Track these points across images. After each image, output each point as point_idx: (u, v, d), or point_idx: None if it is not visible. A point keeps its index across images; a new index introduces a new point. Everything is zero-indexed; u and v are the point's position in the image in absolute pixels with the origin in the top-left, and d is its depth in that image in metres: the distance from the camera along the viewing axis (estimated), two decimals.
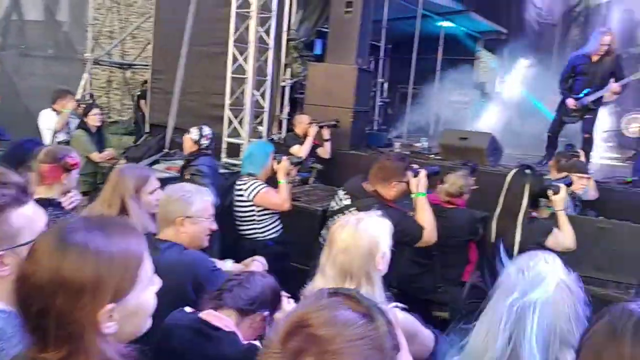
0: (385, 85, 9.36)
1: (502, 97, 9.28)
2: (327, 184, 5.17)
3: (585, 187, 4.47)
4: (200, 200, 2.52)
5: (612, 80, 5.56)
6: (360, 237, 2.00)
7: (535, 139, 8.49)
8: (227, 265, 2.80)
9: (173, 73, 6.84)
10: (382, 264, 2.04)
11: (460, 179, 3.67)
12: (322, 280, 2.02)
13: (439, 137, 6.20)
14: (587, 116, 5.83)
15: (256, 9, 6.24)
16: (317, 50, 7.68)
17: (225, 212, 3.96)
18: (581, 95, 5.70)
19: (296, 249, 4.03)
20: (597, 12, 11.11)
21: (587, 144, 5.91)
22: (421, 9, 7.96)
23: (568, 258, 3.56)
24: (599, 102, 5.79)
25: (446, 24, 9.12)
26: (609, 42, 5.53)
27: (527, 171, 3.44)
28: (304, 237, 4.03)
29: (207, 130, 4.44)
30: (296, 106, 6.92)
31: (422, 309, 3.54)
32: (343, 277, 1.98)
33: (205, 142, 4.39)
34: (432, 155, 6.32)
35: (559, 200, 3.42)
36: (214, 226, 2.57)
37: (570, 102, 5.77)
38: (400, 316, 1.93)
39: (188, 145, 4.47)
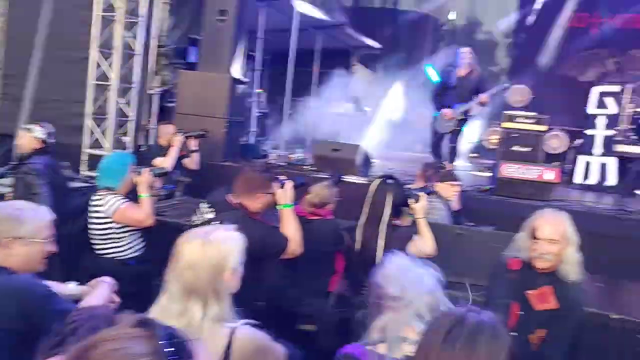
0: (264, 97, 9.33)
1: (378, 109, 9.64)
2: (197, 197, 4.96)
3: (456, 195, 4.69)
4: (33, 219, 2.25)
5: (478, 94, 6.26)
6: (208, 252, 1.88)
7: (406, 151, 8.98)
8: (70, 288, 2.53)
9: (26, 78, 6.26)
10: (233, 279, 1.93)
11: (324, 189, 3.67)
12: (166, 299, 1.87)
13: (312, 149, 6.27)
14: (456, 127, 6.47)
15: (122, 13, 5.90)
16: (192, 58, 7.43)
17: (82, 229, 3.66)
18: (455, 107, 6.35)
19: (162, 267, 3.79)
20: (462, 31, 11.99)
21: (452, 154, 6.51)
22: (297, 22, 8.03)
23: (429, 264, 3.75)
24: (468, 113, 6.46)
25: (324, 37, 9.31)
26: (469, 60, 6.29)
27: (390, 181, 3.53)
28: (170, 254, 3.80)
29: (50, 128, 4.14)
30: (166, 115, 6.62)
31: (289, 323, 3.50)
32: (188, 294, 1.84)
33: (51, 140, 4.08)
34: (307, 167, 6.35)
35: (420, 208, 3.54)
36: (52, 248, 2.31)
37: (447, 112, 6.37)
38: (250, 333, 1.85)
39: (26, 143, 4.10)
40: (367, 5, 11.35)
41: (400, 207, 3.52)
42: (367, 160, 6.05)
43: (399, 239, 3.42)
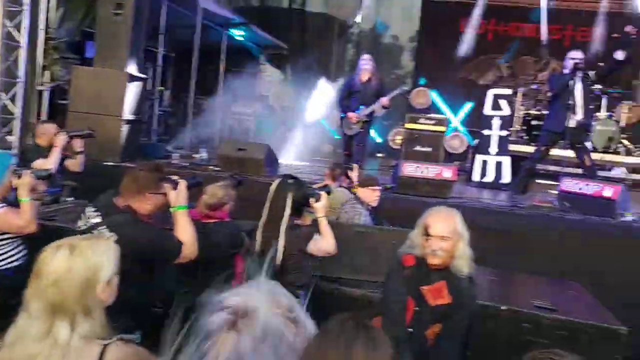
0: (167, 94, 8.99)
1: (285, 109, 9.60)
2: (92, 200, 4.63)
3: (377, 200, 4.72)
4: None
5: (381, 97, 6.61)
6: (75, 266, 1.70)
7: (315, 151, 9.00)
8: None
9: None
10: (107, 292, 1.77)
11: (220, 189, 3.54)
12: (24, 320, 1.68)
13: (217, 148, 6.10)
14: (361, 129, 6.72)
15: (2, 1, 5.42)
16: (89, 53, 7.00)
17: None
18: (357, 111, 6.68)
19: None
20: (369, 35, 12.23)
21: (360, 154, 6.75)
22: (201, 19, 7.80)
23: (330, 262, 3.73)
24: (372, 115, 6.78)
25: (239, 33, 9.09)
26: (369, 66, 6.69)
27: (290, 180, 3.47)
28: None
29: None
30: (57, 114, 6.17)
31: None
32: (52, 313, 1.66)
33: None
34: (211, 167, 6.17)
35: (320, 207, 3.50)
36: None
37: (352, 116, 6.68)
38: (123, 349, 1.70)
39: None
40: (274, 5, 11.27)
41: (301, 206, 3.47)
42: (273, 160, 5.98)
43: (300, 239, 3.37)
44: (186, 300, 3.49)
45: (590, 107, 6.57)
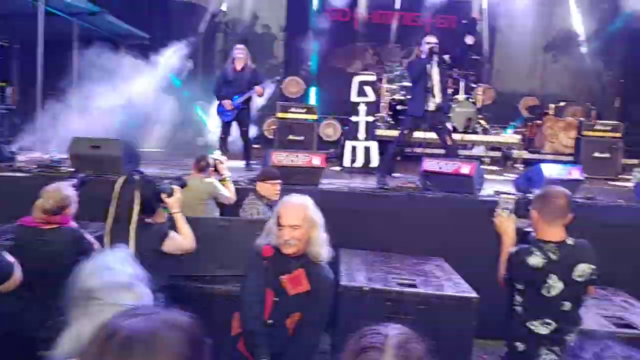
0: (10, 91, 8.09)
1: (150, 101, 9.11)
2: None
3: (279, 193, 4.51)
4: None
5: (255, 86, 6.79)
6: None
7: (189, 145, 8.63)
8: None
9: None
10: None
11: (58, 192, 3.19)
12: None
13: (69, 147, 5.56)
14: (241, 115, 6.91)
15: None
16: None
17: None
18: (235, 99, 6.79)
19: None
20: (237, 23, 11.95)
21: (245, 139, 7.06)
22: (44, 6, 7.08)
23: (191, 259, 3.52)
24: (248, 102, 6.97)
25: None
26: (242, 55, 6.81)
27: (136, 177, 3.21)
28: None
29: None
30: None
31: (28, 350, 2.98)
32: None
33: None
34: (65, 168, 5.64)
35: (174, 202, 3.29)
36: None
37: (227, 103, 6.81)
38: None
39: None
40: None
41: (151, 203, 3.22)
42: (133, 156, 5.59)
43: (152, 238, 3.13)
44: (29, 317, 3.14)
45: (448, 90, 6.91)
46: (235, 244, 3.72)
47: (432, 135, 6.90)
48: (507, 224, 2.99)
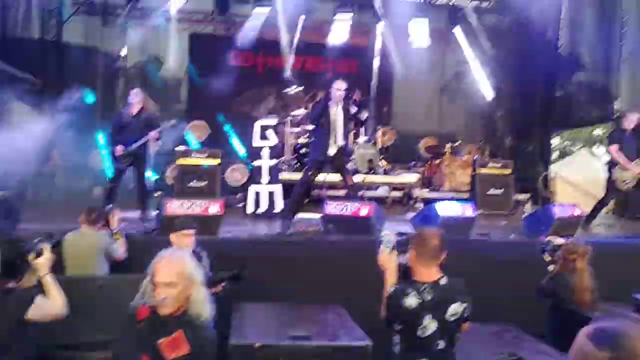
0: None
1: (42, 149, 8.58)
2: None
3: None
4: None
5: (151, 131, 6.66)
6: None
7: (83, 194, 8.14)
8: None
9: None
10: None
11: None
12: None
13: None
14: (137, 162, 6.70)
15: None
16: None
17: None
18: (129, 144, 6.61)
19: None
20: (139, 67, 11.68)
21: (141, 186, 6.79)
22: None
23: (67, 325, 3.21)
24: (145, 147, 6.74)
25: None
26: (138, 99, 6.72)
27: None
28: None
29: None
30: None
31: None
32: None
33: None
34: None
35: (42, 263, 3.01)
36: None
37: (119, 149, 6.60)
38: None
39: None
40: (23, 37, 10.06)
41: (14, 266, 2.92)
42: (10, 212, 5.15)
43: (14, 306, 2.82)
44: None
45: (350, 132, 7.05)
46: (116, 303, 3.45)
47: (335, 177, 6.96)
48: (389, 260, 3.01)
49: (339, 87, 6.44)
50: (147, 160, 6.99)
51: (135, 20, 11.15)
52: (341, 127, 6.58)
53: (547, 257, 4.34)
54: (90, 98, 9.88)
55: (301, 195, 6.88)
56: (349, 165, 8.87)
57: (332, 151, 6.46)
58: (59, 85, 9.81)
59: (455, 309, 2.80)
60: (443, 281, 2.84)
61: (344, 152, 6.71)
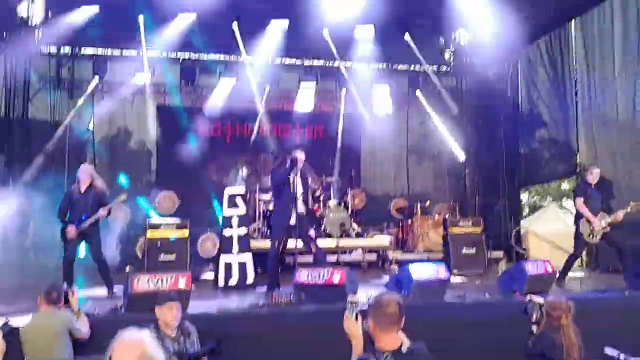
0: None
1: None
2: None
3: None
4: None
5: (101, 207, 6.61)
6: None
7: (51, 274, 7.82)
8: None
9: None
10: None
11: None
12: None
13: None
14: (89, 239, 6.63)
15: None
16: None
17: None
18: (81, 219, 6.53)
19: None
20: (107, 140, 11.61)
21: (97, 261, 6.63)
22: None
23: None
24: (96, 224, 6.67)
25: None
26: (87, 175, 6.69)
27: None
28: None
29: None
30: None
31: None
32: None
33: None
34: None
35: None
36: None
37: (71, 231, 6.47)
38: None
39: None
40: None
41: None
42: None
43: None
44: None
45: (312, 197, 7.04)
46: None
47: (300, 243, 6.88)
48: (353, 327, 2.92)
49: (298, 156, 6.55)
50: (99, 234, 6.85)
51: (103, 94, 11.22)
52: (301, 195, 6.64)
53: (530, 317, 4.25)
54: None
55: (275, 269, 6.74)
56: (322, 229, 8.85)
57: (292, 219, 6.49)
58: (25, 161, 9.70)
59: None
60: (404, 348, 2.78)
61: (306, 219, 6.74)
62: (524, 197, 14.06)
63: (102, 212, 6.56)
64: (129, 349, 2.39)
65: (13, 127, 10.20)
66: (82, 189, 6.63)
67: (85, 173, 6.69)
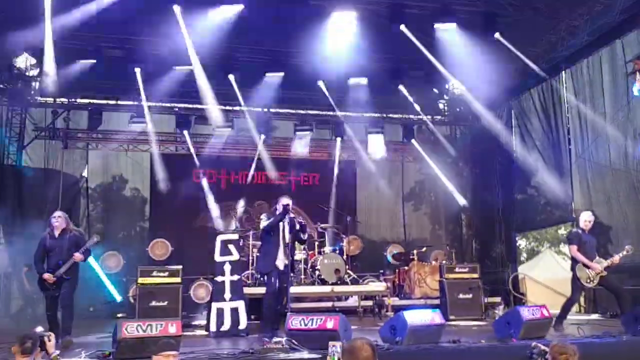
0: None
1: None
2: None
3: None
4: None
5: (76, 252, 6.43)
6: None
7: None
8: None
9: None
10: None
11: None
12: None
13: None
14: (65, 282, 6.38)
15: None
16: None
17: None
18: (58, 266, 6.36)
19: None
20: (102, 188, 11.64)
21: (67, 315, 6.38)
22: None
23: None
24: (73, 269, 6.45)
25: None
26: (58, 222, 6.49)
27: None
28: None
29: None
30: None
31: None
32: None
33: None
34: None
35: None
36: None
37: (47, 277, 6.29)
38: None
39: None
40: None
41: None
42: None
43: None
44: None
45: (295, 250, 7.08)
46: None
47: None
48: None
49: (284, 202, 6.63)
50: (77, 281, 6.65)
51: (97, 143, 11.33)
52: (287, 243, 6.72)
53: None
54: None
55: (269, 310, 6.69)
56: (317, 275, 8.75)
57: (280, 265, 6.59)
58: (19, 208, 9.70)
59: None
60: None
61: (289, 270, 6.79)
62: (522, 243, 14.02)
63: (77, 256, 6.41)
64: None
65: (6, 176, 10.25)
66: (57, 235, 6.51)
67: (60, 218, 6.56)
